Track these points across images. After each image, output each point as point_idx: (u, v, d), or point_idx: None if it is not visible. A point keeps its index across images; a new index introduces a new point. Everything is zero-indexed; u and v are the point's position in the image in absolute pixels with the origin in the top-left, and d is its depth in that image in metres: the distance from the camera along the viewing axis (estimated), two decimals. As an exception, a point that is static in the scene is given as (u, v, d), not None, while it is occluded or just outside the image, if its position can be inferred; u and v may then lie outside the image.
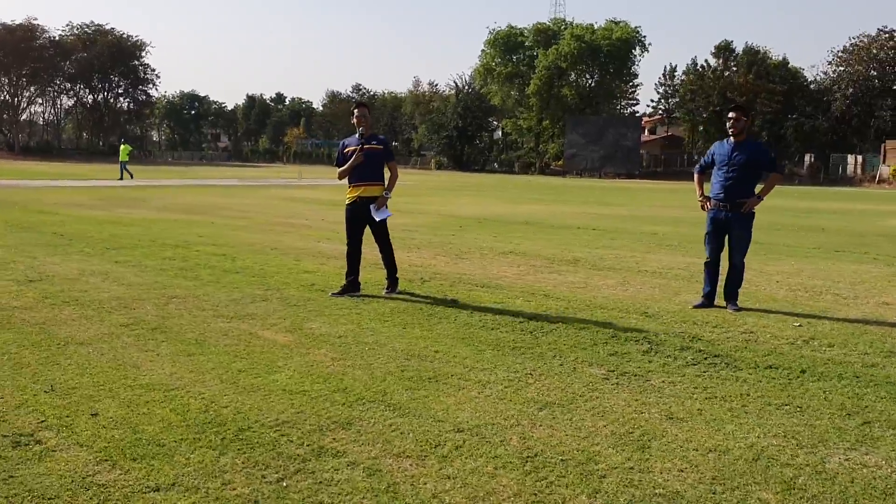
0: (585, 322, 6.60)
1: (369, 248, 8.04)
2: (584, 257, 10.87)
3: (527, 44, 78.28)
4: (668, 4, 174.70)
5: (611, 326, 6.44)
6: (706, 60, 74.61)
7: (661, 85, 78.36)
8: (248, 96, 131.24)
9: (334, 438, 3.85)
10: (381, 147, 7.94)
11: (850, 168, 63.55)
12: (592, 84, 75.21)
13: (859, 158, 63.48)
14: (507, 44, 78.13)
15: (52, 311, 6.70)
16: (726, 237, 7.43)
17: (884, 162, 60.24)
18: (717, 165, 7.32)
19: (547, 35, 76.47)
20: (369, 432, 3.94)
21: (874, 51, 66.45)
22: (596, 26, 73.66)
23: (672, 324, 6.61)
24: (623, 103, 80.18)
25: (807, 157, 67.17)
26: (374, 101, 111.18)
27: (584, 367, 5.19)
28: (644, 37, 74.04)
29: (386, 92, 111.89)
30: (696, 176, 7.80)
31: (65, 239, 11.65)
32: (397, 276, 8.02)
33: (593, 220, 18.30)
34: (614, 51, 71.62)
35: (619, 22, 73.70)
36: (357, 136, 7.91)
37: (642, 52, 74.50)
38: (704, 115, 72.35)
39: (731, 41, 73.33)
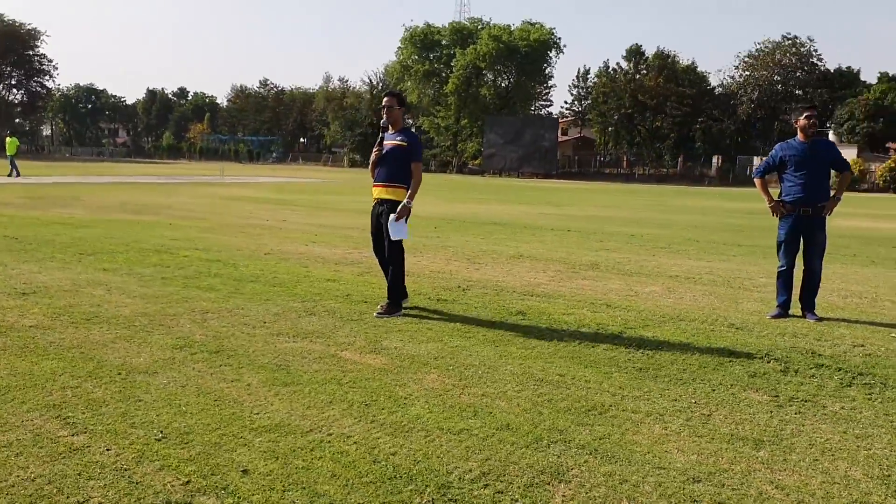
0: (683, 336, 6.12)
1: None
2: (599, 262, 10.42)
3: (444, 42, 77.92)
4: (579, 6, 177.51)
5: (716, 342, 5.98)
6: (618, 63, 76.11)
7: (575, 87, 79.52)
8: (148, 90, 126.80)
9: (564, 496, 3.20)
10: (406, 144, 6.78)
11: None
12: (510, 84, 75.50)
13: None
14: (424, 42, 77.60)
15: (78, 331, 5.76)
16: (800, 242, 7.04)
17: (788, 164, 62.62)
18: (790, 167, 6.94)
19: (464, 34, 76.33)
20: (595, 485, 3.32)
21: (778, 56, 69.09)
22: (512, 27, 73.93)
23: (773, 337, 6.19)
24: (538, 104, 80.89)
25: (714, 159, 69.26)
26: (283, 97, 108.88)
27: (742, 393, 4.68)
28: (559, 38, 74.87)
29: (294, 87, 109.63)
30: (758, 181, 7.39)
31: (23, 244, 10.45)
32: (401, 301, 6.79)
33: (559, 220, 17.95)
34: (531, 52, 72.06)
35: (535, 23, 74.26)
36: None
37: (557, 53, 75.25)
38: (616, 117, 73.76)
39: (642, 45, 74.91)
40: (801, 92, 68.86)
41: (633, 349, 5.67)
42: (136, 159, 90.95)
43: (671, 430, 3.99)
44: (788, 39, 69.28)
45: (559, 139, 73.93)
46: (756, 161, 66.48)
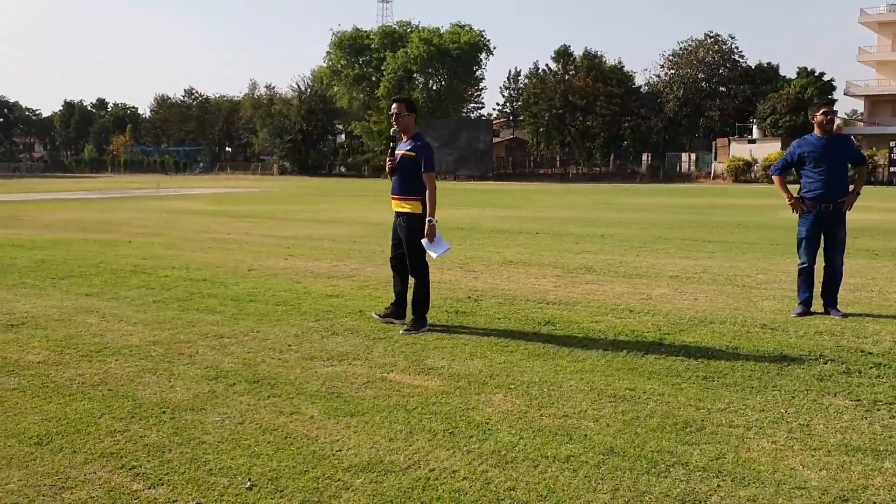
0: (724, 341, 6.00)
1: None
2: (591, 265, 10.29)
3: (373, 46, 77.38)
4: (504, 9, 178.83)
5: (760, 345, 5.89)
6: (547, 65, 76.79)
7: (506, 88, 79.98)
8: (66, 102, 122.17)
9: (721, 525, 2.98)
10: (415, 154, 6.38)
11: (684, 166, 67.22)
12: (442, 87, 75.46)
13: (692, 156, 67.30)
14: (353, 46, 76.93)
15: (94, 365, 5.31)
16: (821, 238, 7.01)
17: (716, 159, 64.21)
18: (809, 163, 6.90)
19: (393, 38, 75.95)
20: (745, 511, 3.10)
21: (701, 54, 70.72)
22: (442, 30, 73.91)
23: (813, 337, 6.12)
24: (470, 107, 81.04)
25: (644, 157, 70.47)
26: (208, 105, 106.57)
27: (823, 399, 4.56)
28: (488, 41, 75.14)
29: (218, 95, 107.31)
30: (777, 178, 7.34)
31: (-17, 268, 9.76)
32: (426, 315, 6.45)
33: (520, 223, 17.82)
34: (462, 54, 72.14)
35: (465, 26, 74.41)
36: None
37: (488, 56, 75.53)
38: (547, 118, 74.31)
39: (570, 46, 75.72)
40: (724, 89, 70.64)
41: (684, 357, 5.50)
42: (56, 174, 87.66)
43: (781, 444, 3.81)
44: (711, 37, 70.98)
45: (492, 141, 74.16)
46: (685, 157, 68.03)
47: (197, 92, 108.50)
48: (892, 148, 50.66)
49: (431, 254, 6.32)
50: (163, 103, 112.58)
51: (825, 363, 5.31)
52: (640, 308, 7.28)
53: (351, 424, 4.13)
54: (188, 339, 6.08)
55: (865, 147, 62.97)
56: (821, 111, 6.88)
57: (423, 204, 6.37)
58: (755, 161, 57.44)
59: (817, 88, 67.05)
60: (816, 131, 6.93)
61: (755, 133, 64.00)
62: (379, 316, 6.77)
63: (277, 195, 34.11)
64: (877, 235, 14.64)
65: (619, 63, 74.22)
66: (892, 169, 50.30)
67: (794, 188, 7.26)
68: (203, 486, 3.37)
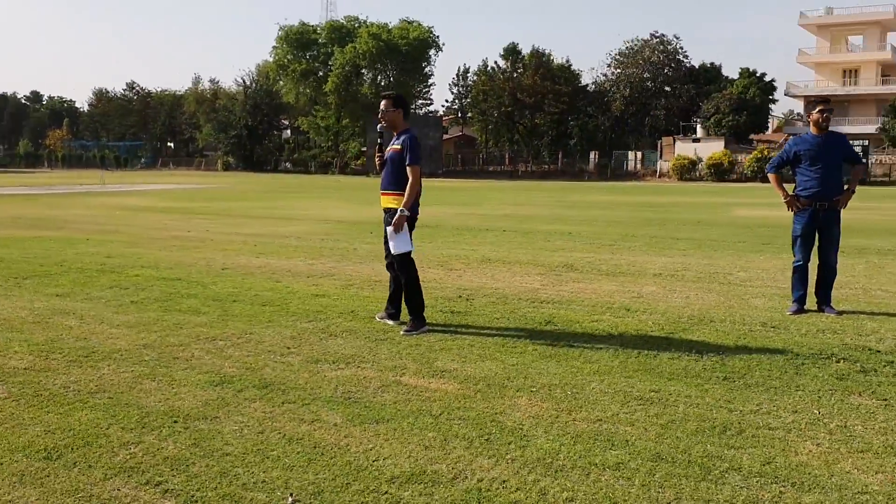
0: (730, 340, 5.96)
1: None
2: (571, 263, 10.22)
3: (321, 41, 76.56)
4: (455, 5, 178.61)
5: (767, 343, 5.85)
6: (496, 62, 76.98)
7: (455, 85, 79.95)
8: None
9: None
10: (401, 148, 6.20)
11: (630, 164, 68.06)
12: (391, 83, 75.03)
13: (639, 155, 68.18)
14: (300, 41, 75.98)
15: (86, 371, 5.02)
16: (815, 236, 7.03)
17: (661, 157, 65.14)
18: (805, 161, 6.90)
19: (341, 33, 75.24)
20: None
21: (647, 54, 71.70)
22: (390, 25, 73.52)
23: (816, 335, 6.11)
24: (419, 103, 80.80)
25: (591, 155, 71.13)
26: (150, 100, 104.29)
27: (850, 398, 4.53)
28: (437, 37, 75.00)
29: (160, 89, 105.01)
30: (772, 176, 7.33)
31: (-62, 267, 9.26)
32: (422, 313, 6.25)
33: (485, 221, 17.74)
34: (412, 50, 71.86)
35: (413, 22, 74.13)
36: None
37: (437, 52, 75.41)
38: (496, 115, 74.53)
39: (518, 43, 76.03)
40: (669, 88, 71.73)
41: (696, 356, 5.43)
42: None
43: (827, 447, 3.74)
44: (656, 38, 72.01)
45: (442, 138, 74.06)
46: (631, 156, 68.86)
47: (138, 86, 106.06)
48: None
49: (392, 247, 6.15)
50: (102, 97, 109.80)
51: (838, 362, 5.29)
52: (636, 307, 7.21)
53: (379, 432, 3.94)
54: (180, 342, 5.80)
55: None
56: (817, 109, 6.88)
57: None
58: (700, 160, 58.42)
59: (759, 89, 68.71)
60: (812, 129, 6.93)
61: (699, 132, 65.14)
62: (380, 317, 6.57)
63: (228, 192, 33.47)
64: (845, 233, 14.87)
65: (567, 62, 74.84)
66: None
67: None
68: (241, 502, 3.14)
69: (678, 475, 3.40)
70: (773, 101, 72.24)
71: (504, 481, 3.35)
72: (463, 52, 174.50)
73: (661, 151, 65.66)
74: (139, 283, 8.38)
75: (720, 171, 56.13)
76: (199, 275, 8.98)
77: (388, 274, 6.64)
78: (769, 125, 73.89)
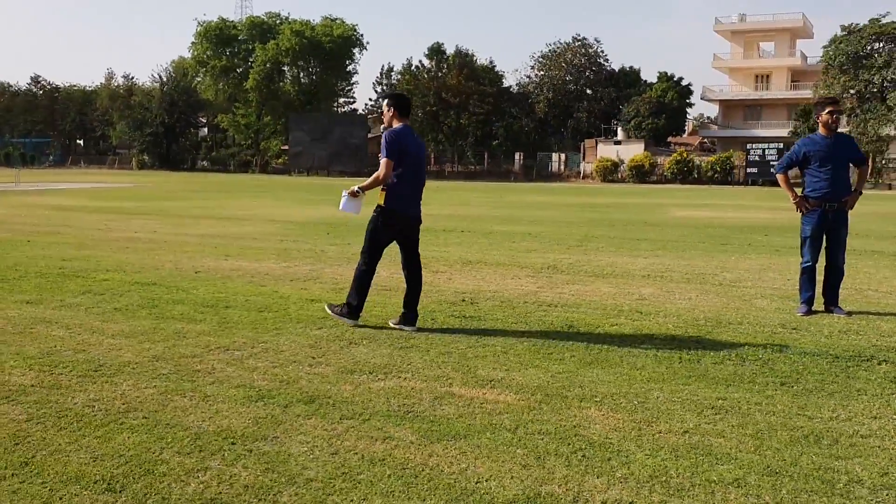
0: (758, 341, 5.89)
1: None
2: (553, 264, 10.09)
3: (241, 37, 74.81)
4: (378, 4, 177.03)
5: (798, 345, 5.80)
6: (420, 61, 76.75)
7: (379, 84, 79.30)
8: None
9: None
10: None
11: (554, 165, 68.82)
12: (314, 81, 73.93)
13: (562, 156, 68.99)
14: (219, 36, 74.03)
15: (103, 387, 4.57)
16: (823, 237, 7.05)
17: (584, 160, 66.13)
18: (814, 163, 6.90)
19: (262, 29, 73.65)
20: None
21: (569, 56, 72.70)
22: (314, 23, 72.41)
23: (840, 336, 6.11)
24: (342, 101, 79.90)
25: (517, 156, 71.62)
26: (58, 95, 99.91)
27: (917, 402, 4.46)
28: (361, 35, 74.27)
29: (68, 84, 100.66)
30: (781, 177, 7.31)
31: None
32: (351, 302, 6.26)
33: (437, 221, 17.42)
34: (335, 48, 70.92)
35: (336, 19, 73.24)
36: None
37: (361, 50, 74.68)
38: (420, 115, 74.24)
39: (443, 43, 75.97)
40: (591, 91, 72.92)
41: (737, 360, 5.34)
42: None
43: (931, 455, 3.64)
44: (578, 41, 73.09)
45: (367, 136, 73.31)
46: (555, 157, 69.64)
47: (45, 80, 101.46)
48: (749, 150, 53.65)
49: (341, 204, 6.34)
50: (4, 91, 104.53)
51: (880, 364, 5.27)
52: (645, 309, 7.10)
53: (463, 449, 3.66)
54: (191, 353, 5.37)
55: (720, 149, 66.70)
56: (826, 110, 6.89)
57: (387, 194, 6.14)
58: (622, 162, 59.53)
59: (676, 93, 70.50)
60: (821, 130, 6.94)
61: (620, 135, 66.45)
62: (394, 323, 6.27)
63: (154, 191, 32.26)
64: (785, 232, 15.19)
65: (491, 63, 75.18)
66: (748, 170, 53.26)
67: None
68: (359, 536, 2.82)
69: (806, 490, 3.25)
70: (690, 105, 74.29)
71: (631, 503, 3.11)
72: (387, 51, 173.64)
73: (583, 153, 66.66)
74: (112, 288, 7.82)
75: (641, 173, 57.31)
76: (173, 279, 8.46)
77: (389, 277, 6.37)
78: (686, 128, 75.92)
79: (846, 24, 50.87)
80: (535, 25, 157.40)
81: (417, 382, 4.75)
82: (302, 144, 68.37)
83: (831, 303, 7.01)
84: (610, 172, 59.07)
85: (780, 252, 11.89)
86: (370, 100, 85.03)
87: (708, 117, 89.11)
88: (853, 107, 49.93)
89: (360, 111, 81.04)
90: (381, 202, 6.15)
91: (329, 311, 6.32)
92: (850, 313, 6.90)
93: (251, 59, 72.42)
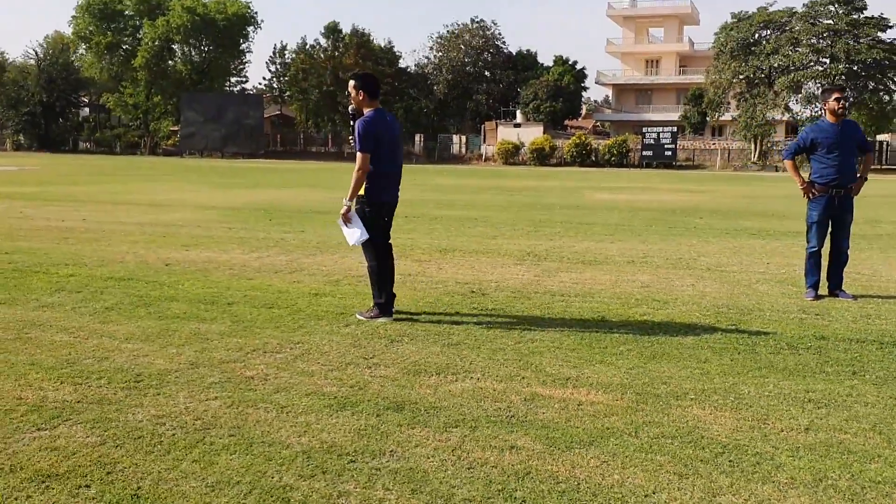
0: (791, 329, 5.92)
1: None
2: (531, 251, 9.97)
3: (128, 13, 71.25)
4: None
5: (830, 332, 5.84)
6: (316, 40, 75.19)
7: (272, 63, 77.25)
8: None
9: None
10: (354, 133, 5.85)
11: (455, 147, 68.99)
12: (207, 59, 71.28)
13: (463, 138, 69.21)
14: (103, 11, 70.20)
15: (157, 400, 4.15)
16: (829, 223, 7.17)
17: (485, 142, 66.58)
18: (822, 149, 6.99)
19: (151, 5, 70.35)
20: None
21: (467, 38, 72.78)
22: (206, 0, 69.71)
23: (865, 320, 6.23)
24: (234, 80, 77.41)
25: (417, 138, 71.35)
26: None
27: None
28: (255, 13, 72.05)
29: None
30: (789, 163, 7.39)
31: None
32: (380, 301, 6.01)
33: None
34: (229, 26, 68.54)
35: (228, -5, 70.80)
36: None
37: (255, 29, 72.46)
38: (317, 95, 72.77)
39: (339, 22, 74.57)
40: (489, 73, 73.31)
41: (791, 350, 5.34)
42: None
43: None
44: (476, 22, 73.24)
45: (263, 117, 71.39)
46: (455, 139, 69.78)
47: None
48: (645, 134, 55.25)
49: (347, 239, 5.89)
50: None
51: (922, 349, 5.35)
52: (659, 297, 7.06)
53: (603, 458, 3.46)
54: (229, 357, 4.94)
55: (613, 133, 68.51)
56: (833, 97, 6.98)
57: (369, 185, 5.86)
58: (523, 144, 60.22)
59: (573, 76, 71.81)
60: (829, 117, 7.03)
61: (519, 117, 67.16)
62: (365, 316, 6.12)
63: (47, 175, 30.35)
64: (716, 215, 15.62)
65: (389, 43, 74.46)
66: (644, 153, 54.85)
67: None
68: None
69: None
70: (585, 89, 75.88)
71: (821, 511, 2.98)
72: (281, 30, 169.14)
73: (484, 136, 67.09)
74: (87, 284, 7.19)
75: (542, 156, 58.19)
76: (145, 272, 7.86)
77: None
78: (581, 112, 77.52)
79: (736, 12, 52.98)
80: (432, 6, 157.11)
81: (493, 383, 4.51)
82: (194, 125, 66.05)
83: (836, 287, 7.15)
84: (511, 155, 59.67)
85: (735, 235, 12.17)
86: (264, 79, 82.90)
87: (595, 101, 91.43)
88: (742, 92, 52.15)
89: (252, 90, 78.73)
90: (363, 193, 5.85)
91: (363, 318, 5.98)
92: (856, 297, 7.04)
93: (139, 36, 69.11)
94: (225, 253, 9.33)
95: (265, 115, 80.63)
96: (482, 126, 68.20)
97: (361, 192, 5.89)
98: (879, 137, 61.29)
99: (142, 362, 4.78)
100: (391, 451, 3.50)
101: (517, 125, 65.00)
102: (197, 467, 3.30)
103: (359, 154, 5.74)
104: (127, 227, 11.91)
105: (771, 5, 52.33)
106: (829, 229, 7.19)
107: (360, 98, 5.86)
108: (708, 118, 60.99)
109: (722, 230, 12.86)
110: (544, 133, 62.19)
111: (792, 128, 60.48)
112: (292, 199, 18.67)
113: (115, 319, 5.87)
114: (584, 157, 56.80)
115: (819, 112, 53.36)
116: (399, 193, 6.20)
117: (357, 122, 5.82)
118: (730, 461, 3.45)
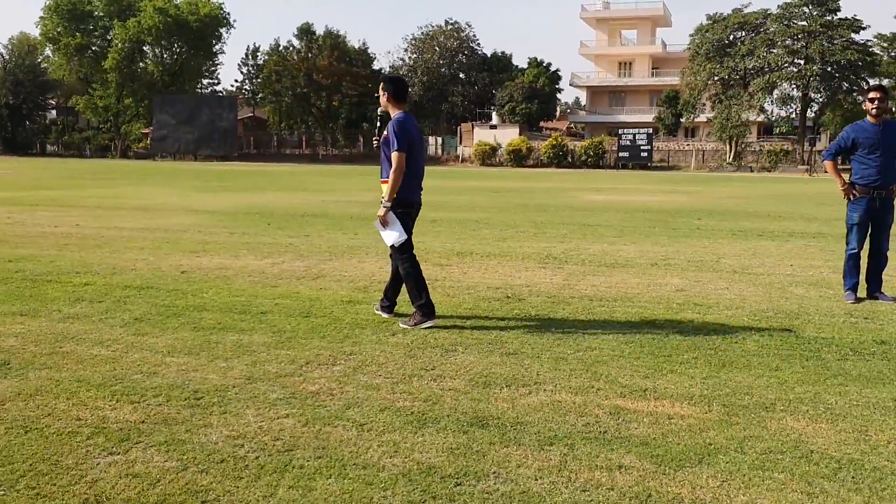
0: (850, 335, 5.80)
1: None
2: (551, 254, 9.81)
3: (97, 14, 70.13)
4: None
5: (888, 337, 5.74)
6: (289, 42, 74.62)
7: (245, 65, 76.55)
8: None
9: None
10: (387, 134, 5.84)
11: (432, 149, 68.74)
12: (179, 61, 70.38)
13: (439, 140, 69.07)
14: (72, 12, 69.02)
15: (228, 420, 3.91)
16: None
17: (461, 143, 66.50)
18: (863, 149, 6.89)
19: (121, 5, 69.30)
20: None
21: (442, 40, 72.65)
22: (178, 0, 68.80)
23: (918, 325, 6.11)
24: (206, 82, 76.56)
25: (392, 139, 70.94)
26: None
27: None
28: (228, 14, 71.32)
29: None
30: (829, 164, 7.27)
31: None
32: (426, 310, 5.84)
33: (363, 208, 16.84)
34: (202, 27, 67.73)
35: (201, -4, 70.00)
36: None
37: (228, 30, 71.72)
38: (290, 97, 72.21)
39: (312, 24, 74.09)
40: (464, 75, 73.23)
41: (856, 356, 5.22)
42: None
43: None
44: (450, 24, 73.14)
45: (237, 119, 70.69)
46: (431, 141, 69.54)
47: None
48: (621, 135, 55.47)
49: (385, 240, 5.84)
50: None
51: None
52: (698, 301, 6.94)
53: (721, 478, 3.30)
54: (284, 370, 4.72)
55: (588, 134, 68.75)
56: (868, 96, 6.90)
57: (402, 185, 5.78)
58: (499, 146, 60.21)
59: (547, 78, 71.97)
60: (869, 117, 6.93)
61: (495, 119, 67.15)
62: (377, 309, 6.23)
63: (22, 179, 29.72)
64: (713, 215, 15.60)
65: (363, 44, 74.10)
66: (620, 154, 55.06)
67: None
68: None
69: None
70: (560, 91, 76.10)
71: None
72: (253, 31, 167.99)
73: (460, 137, 67.01)
74: (107, 294, 6.90)
75: (519, 157, 58.25)
76: (162, 280, 7.59)
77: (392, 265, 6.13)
78: (556, 113, 77.72)
79: (711, 14, 53.39)
80: (406, 8, 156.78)
81: (569, 395, 4.32)
82: (167, 128, 65.26)
83: (876, 289, 7.06)
84: (488, 156, 59.66)
85: (742, 236, 12.12)
86: (236, 81, 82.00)
87: (566, 103, 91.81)
88: (718, 93, 52.56)
89: (223, 92, 77.90)
90: (387, 198, 5.78)
91: (407, 327, 5.80)
92: (895, 299, 6.96)
93: (109, 37, 68.04)
94: (237, 259, 9.06)
95: (239, 118, 79.91)
96: (458, 128, 68.09)
97: (383, 192, 5.85)
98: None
99: (194, 377, 4.53)
100: (494, 473, 3.30)
101: (493, 127, 65.01)
102: (296, 494, 3.07)
103: (395, 154, 5.68)
104: (126, 233, 11.58)
105: (746, 7, 52.80)
106: (869, 231, 7.08)
107: (389, 100, 5.89)
108: (683, 119, 61.40)
109: (727, 231, 12.81)
110: (520, 134, 62.26)
111: (766, 129, 61.15)
112: (282, 203, 18.37)
113: (148, 331, 5.60)
114: (560, 159, 56.93)
115: (792, 112, 54.16)
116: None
117: (390, 124, 5.79)
118: (852, 477, 3.29)
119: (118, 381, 4.44)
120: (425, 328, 5.73)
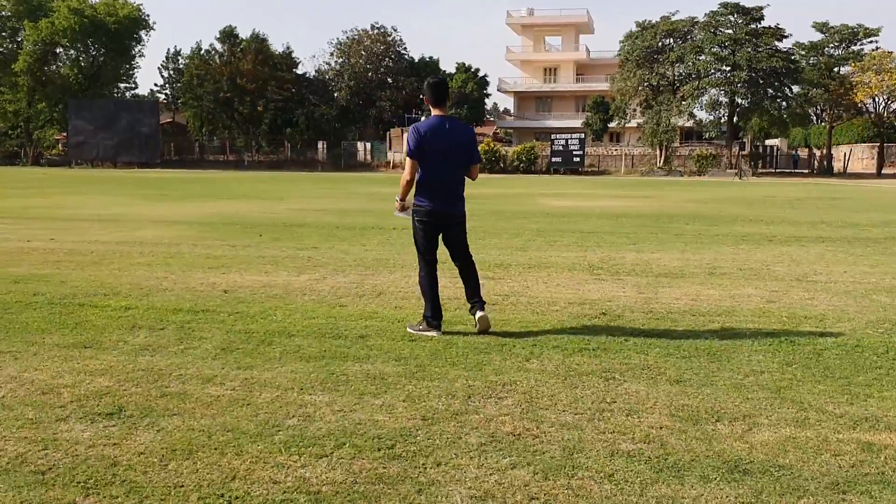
0: None
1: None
2: (589, 264, 9.40)
3: (5, 14, 66.61)
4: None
5: None
6: (212, 45, 72.60)
7: (165, 69, 74.04)
8: None
9: None
10: None
11: (360, 155, 67.90)
12: (96, 64, 67.47)
13: (367, 146, 68.24)
14: (-23, 11, 65.47)
15: (438, 474, 3.31)
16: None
17: (390, 149, 65.83)
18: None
19: (32, 5, 66.00)
20: None
21: (368, 44, 71.86)
22: (94, 1, 65.97)
23: None
24: (123, 86, 73.66)
25: (320, 145, 69.88)
26: None
27: None
28: (147, 15, 68.81)
29: None
30: None
31: None
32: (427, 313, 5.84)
33: (341, 217, 16.20)
34: (120, 29, 65.10)
35: (119, -3, 67.35)
36: None
37: (148, 32, 69.16)
38: (212, 101, 70.21)
39: (235, 27, 72.26)
40: (392, 80, 72.62)
41: None
42: None
43: None
44: (376, 28, 72.43)
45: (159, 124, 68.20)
46: (360, 146, 68.69)
47: None
48: (554, 140, 55.81)
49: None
50: None
51: None
52: (799, 313, 6.64)
53: None
54: (456, 408, 4.17)
55: (516, 140, 69.07)
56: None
57: (415, 191, 5.79)
58: (432, 151, 59.64)
59: (476, 84, 72.08)
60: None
61: (425, 125, 66.55)
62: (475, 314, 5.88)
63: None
64: (697, 221, 15.52)
65: (287, 48, 72.64)
66: (553, 159, 55.39)
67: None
68: None
69: None
70: (488, 96, 76.32)
71: None
72: (174, 34, 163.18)
73: (389, 142, 66.34)
74: (158, 318, 6.16)
75: (452, 162, 57.75)
76: (208, 302, 6.87)
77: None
78: (485, 119, 77.94)
79: (641, 21, 54.32)
80: (330, 13, 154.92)
81: (795, 430, 3.91)
82: (83, 133, 62.48)
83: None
84: (421, 162, 59.00)
85: (754, 241, 12.01)
86: (156, 85, 79.24)
87: (494, 106, 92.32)
88: (648, 98, 53.46)
89: (143, 96, 75.19)
90: (399, 196, 5.84)
91: (412, 331, 5.74)
92: None
93: (20, 39, 64.73)
94: (269, 275, 8.35)
95: (163, 121, 77.22)
96: (387, 133, 67.42)
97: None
98: (769, 142, 64.38)
99: (362, 420, 3.92)
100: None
101: (424, 132, 64.37)
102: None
103: (407, 159, 5.70)
104: (113, 247, 10.66)
105: (673, 14, 53.94)
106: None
107: (428, 105, 5.79)
108: (614, 124, 62.27)
109: (733, 237, 12.71)
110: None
111: (697, 135, 62.63)
112: (248, 212, 17.49)
113: (251, 363, 4.92)
114: (492, 164, 56.72)
115: (721, 117, 55.45)
116: (462, 206, 5.94)
117: (411, 127, 5.74)
118: None
119: (275, 428, 3.79)
120: (431, 336, 5.63)
